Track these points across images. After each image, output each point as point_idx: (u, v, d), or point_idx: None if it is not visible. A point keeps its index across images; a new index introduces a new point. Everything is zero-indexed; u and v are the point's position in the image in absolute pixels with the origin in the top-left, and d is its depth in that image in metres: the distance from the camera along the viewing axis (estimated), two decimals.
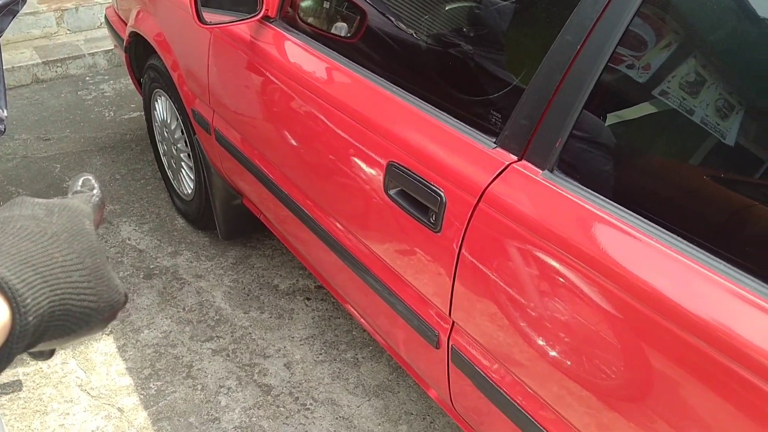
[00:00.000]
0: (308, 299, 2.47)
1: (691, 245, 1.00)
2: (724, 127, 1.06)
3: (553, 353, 1.17)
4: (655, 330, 1.00)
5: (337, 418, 2.00)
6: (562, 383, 1.17)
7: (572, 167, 1.18)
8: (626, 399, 1.08)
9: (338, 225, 1.72)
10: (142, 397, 2.04)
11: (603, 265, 1.05)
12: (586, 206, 1.11)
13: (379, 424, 1.99)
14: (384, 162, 1.43)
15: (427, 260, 1.40)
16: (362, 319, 1.90)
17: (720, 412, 0.94)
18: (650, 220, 1.05)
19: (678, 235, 1.02)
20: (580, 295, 1.10)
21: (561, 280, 1.12)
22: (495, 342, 1.30)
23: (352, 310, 1.94)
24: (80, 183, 0.66)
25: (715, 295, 0.95)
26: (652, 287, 0.99)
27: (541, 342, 1.19)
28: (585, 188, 1.14)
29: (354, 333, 2.33)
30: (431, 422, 2.01)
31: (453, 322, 1.40)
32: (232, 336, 2.28)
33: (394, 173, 1.40)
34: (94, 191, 0.65)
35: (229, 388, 2.08)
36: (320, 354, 2.23)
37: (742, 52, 1.10)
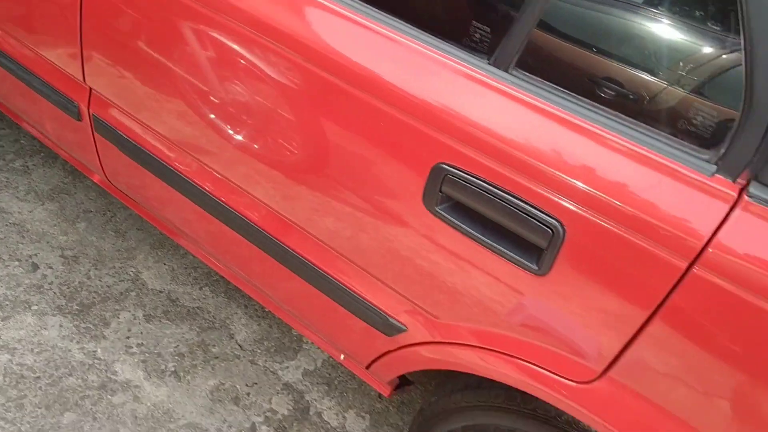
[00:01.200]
0: None
1: None
2: None
3: (209, 113, 1.17)
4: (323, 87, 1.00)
5: (7, 225, 1.90)
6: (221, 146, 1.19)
7: None
8: (309, 170, 1.09)
9: None
10: None
11: (258, 21, 1.05)
12: None
13: (55, 225, 1.93)
14: None
15: (54, 19, 1.30)
16: (25, 123, 1.77)
17: (389, 169, 0.99)
18: None
19: None
20: (226, 48, 1.10)
21: (210, 34, 1.11)
22: (132, 103, 1.28)
23: (13, 113, 1.78)
24: None
25: (373, 44, 0.97)
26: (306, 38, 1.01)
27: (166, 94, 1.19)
28: None
29: (22, 141, 2.16)
30: (112, 216, 2.00)
31: (90, 89, 1.35)
32: None
33: None
34: None
35: None
36: None
37: None
